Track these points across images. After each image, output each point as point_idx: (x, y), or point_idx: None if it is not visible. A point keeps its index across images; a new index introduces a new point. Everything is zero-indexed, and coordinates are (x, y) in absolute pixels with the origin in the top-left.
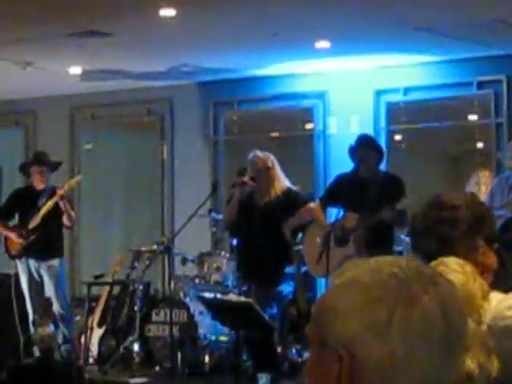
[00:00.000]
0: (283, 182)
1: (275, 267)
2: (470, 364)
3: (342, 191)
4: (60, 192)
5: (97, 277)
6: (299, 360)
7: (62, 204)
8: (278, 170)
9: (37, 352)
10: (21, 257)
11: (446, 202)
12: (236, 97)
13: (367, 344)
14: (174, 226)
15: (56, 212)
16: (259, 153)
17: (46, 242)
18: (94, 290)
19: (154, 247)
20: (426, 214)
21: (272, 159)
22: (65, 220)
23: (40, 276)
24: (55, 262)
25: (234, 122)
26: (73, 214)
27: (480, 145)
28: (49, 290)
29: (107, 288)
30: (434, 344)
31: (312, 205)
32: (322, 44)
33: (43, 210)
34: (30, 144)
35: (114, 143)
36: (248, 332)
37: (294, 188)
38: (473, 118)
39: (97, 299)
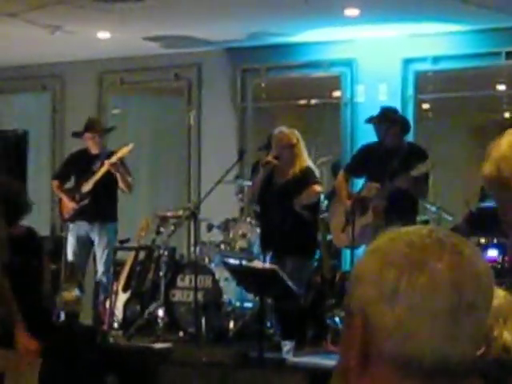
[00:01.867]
0: (305, 160)
1: (296, 242)
2: (508, 337)
3: (366, 162)
4: (110, 161)
5: (122, 242)
6: (327, 327)
7: (114, 171)
8: (302, 147)
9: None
10: (73, 220)
11: None
12: (264, 64)
13: (378, 309)
14: (201, 191)
15: (110, 178)
16: (284, 129)
17: (98, 207)
18: (120, 254)
19: (180, 213)
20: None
21: (297, 135)
22: (121, 186)
23: (90, 241)
24: (107, 226)
25: (262, 88)
26: (129, 179)
27: (508, 115)
28: (98, 255)
29: (133, 253)
30: (442, 312)
31: (318, 188)
32: (351, 11)
33: (96, 176)
34: (57, 108)
35: (142, 108)
36: (275, 300)
37: (311, 166)
38: (501, 88)
39: (122, 264)
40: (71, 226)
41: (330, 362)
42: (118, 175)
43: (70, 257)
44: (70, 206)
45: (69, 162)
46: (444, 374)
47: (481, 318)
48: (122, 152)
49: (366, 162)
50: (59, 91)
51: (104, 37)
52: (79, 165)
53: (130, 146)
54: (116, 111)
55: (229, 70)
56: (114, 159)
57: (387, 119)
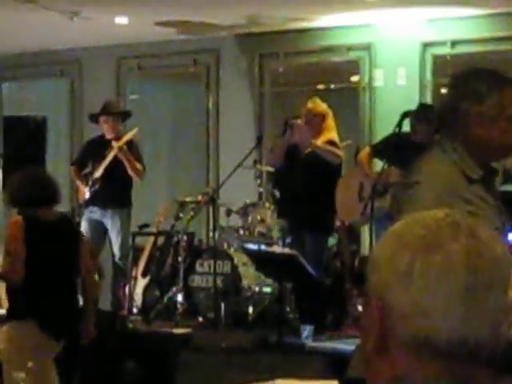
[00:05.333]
0: (333, 136)
1: (319, 216)
2: None
3: (391, 148)
4: (116, 145)
5: (141, 227)
6: (346, 312)
7: (121, 157)
8: (332, 123)
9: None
10: (87, 206)
11: None
12: (282, 48)
13: (393, 291)
14: (219, 177)
15: (121, 163)
16: (318, 100)
17: (110, 192)
18: (139, 240)
19: (199, 198)
20: None
21: (328, 111)
22: (130, 172)
23: (103, 226)
24: (119, 212)
25: (280, 73)
26: (138, 165)
27: None
28: (112, 241)
29: (152, 238)
30: (457, 293)
31: (340, 152)
32: None
33: (105, 161)
34: (76, 94)
35: (160, 94)
36: (294, 284)
37: (338, 141)
38: None
39: (141, 249)
40: (85, 211)
41: (349, 346)
42: (124, 161)
43: None
44: (83, 191)
45: (85, 147)
46: (462, 357)
47: (498, 300)
48: (127, 136)
49: (392, 148)
50: (77, 77)
51: (122, 22)
52: (95, 150)
53: (134, 131)
54: (134, 97)
55: (247, 55)
56: (119, 143)
57: (425, 119)
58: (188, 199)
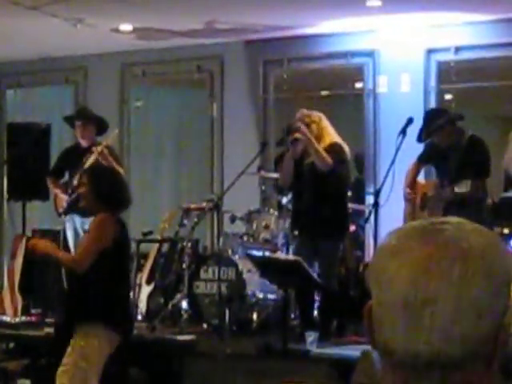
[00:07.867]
0: (333, 136)
1: (331, 223)
2: None
3: (432, 153)
4: (97, 150)
5: (145, 234)
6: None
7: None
8: (326, 124)
9: None
10: (66, 214)
11: None
12: (286, 55)
13: (371, 303)
14: (224, 183)
15: None
16: (305, 110)
17: None
18: (143, 247)
19: (203, 205)
20: None
21: (319, 115)
22: None
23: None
24: None
25: (283, 80)
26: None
27: None
28: None
29: (156, 245)
30: (399, 307)
31: (330, 160)
32: (373, 2)
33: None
34: (80, 101)
35: (164, 100)
36: (299, 291)
37: (341, 143)
38: None
39: (145, 256)
40: (67, 219)
41: (353, 353)
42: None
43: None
44: (63, 199)
45: (61, 157)
46: (421, 370)
47: (444, 312)
48: (108, 139)
49: (433, 153)
50: (82, 84)
51: (126, 29)
52: (71, 159)
53: (114, 134)
54: (138, 103)
55: (250, 61)
56: (100, 148)
57: (430, 121)
58: (192, 206)
